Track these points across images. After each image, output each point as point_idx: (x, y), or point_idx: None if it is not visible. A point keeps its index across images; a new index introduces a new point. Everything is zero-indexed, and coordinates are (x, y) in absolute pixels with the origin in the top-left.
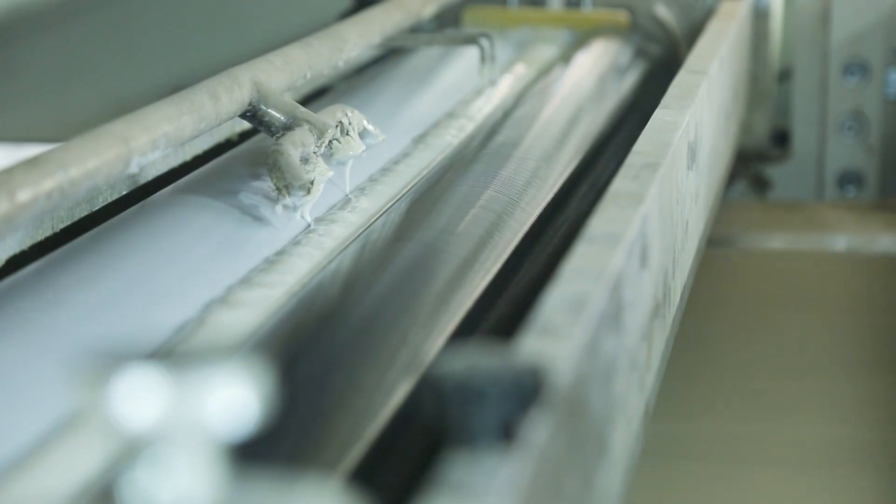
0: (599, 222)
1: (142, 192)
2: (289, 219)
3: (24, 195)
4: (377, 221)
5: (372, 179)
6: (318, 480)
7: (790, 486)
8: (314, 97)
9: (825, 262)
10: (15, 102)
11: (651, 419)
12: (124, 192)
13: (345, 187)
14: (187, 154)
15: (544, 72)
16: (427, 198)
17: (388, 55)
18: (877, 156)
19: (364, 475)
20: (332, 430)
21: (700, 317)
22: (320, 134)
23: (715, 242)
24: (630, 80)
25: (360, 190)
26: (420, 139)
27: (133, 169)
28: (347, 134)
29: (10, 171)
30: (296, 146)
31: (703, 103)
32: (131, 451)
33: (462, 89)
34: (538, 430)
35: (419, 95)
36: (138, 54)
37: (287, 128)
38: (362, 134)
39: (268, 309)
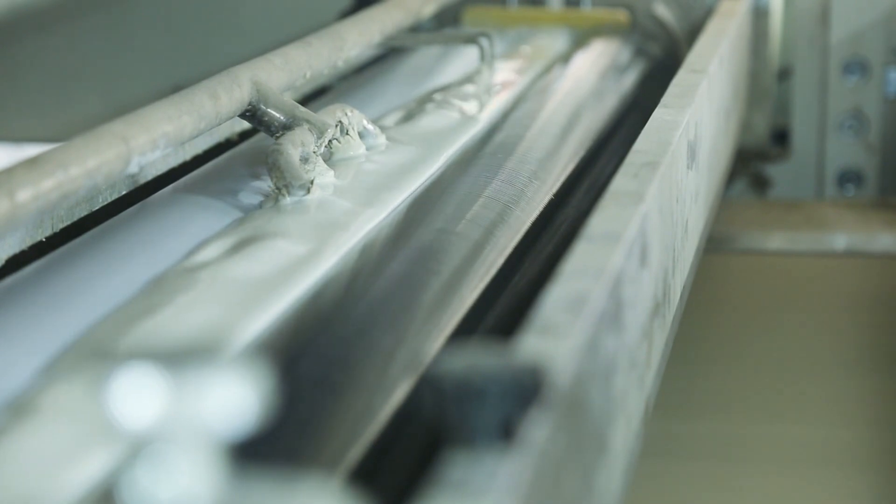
0: (599, 221)
1: (142, 192)
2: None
3: (24, 195)
4: (377, 221)
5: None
6: (318, 480)
7: (790, 486)
8: (314, 97)
9: (825, 260)
10: (15, 102)
11: (651, 418)
12: (124, 192)
13: None
14: (187, 154)
15: (544, 71)
16: (427, 197)
17: (388, 55)
18: (876, 154)
19: (364, 475)
20: (332, 430)
21: (700, 316)
22: (320, 133)
23: (715, 241)
24: (630, 79)
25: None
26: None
27: (133, 168)
28: (347, 133)
29: (10, 171)
30: (295, 146)
31: (702, 102)
32: (131, 451)
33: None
34: (538, 429)
35: (419, 95)
36: (138, 54)
37: (287, 127)
38: (362, 134)
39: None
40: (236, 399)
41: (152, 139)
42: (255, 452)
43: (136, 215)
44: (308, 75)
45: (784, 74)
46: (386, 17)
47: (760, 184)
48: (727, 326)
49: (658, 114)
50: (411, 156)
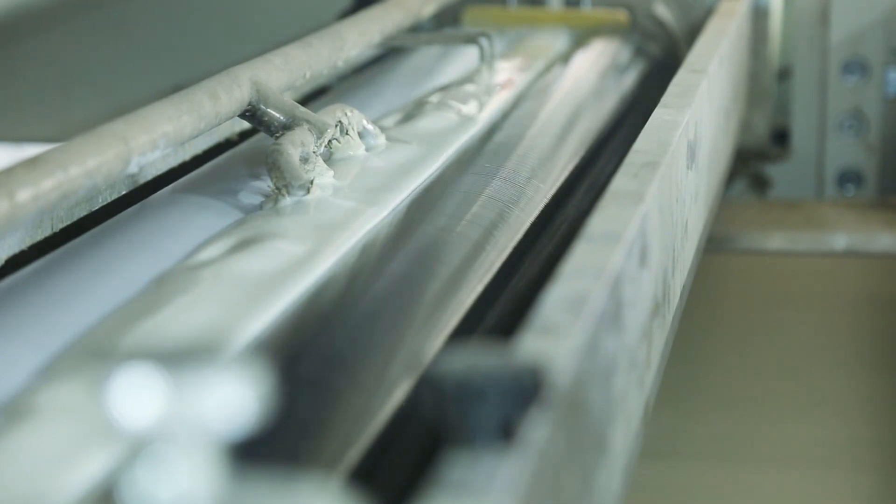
0: (599, 221)
1: (141, 192)
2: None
3: (24, 195)
4: (377, 221)
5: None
6: (318, 480)
7: (789, 486)
8: (314, 97)
9: (825, 260)
10: (15, 102)
11: (651, 418)
12: (124, 192)
13: None
14: (187, 154)
15: (544, 71)
16: (426, 197)
17: (388, 55)
18: (876, 154)
19: (364, 475)
20: (332, 430)
21: (700, 316)
22: (320, 133)
23: (715, 241)
24: (630, 79)
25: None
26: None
27: (133, 168)
28: (347, 133)
29: (10, 171)
30: (295, 146)
31: (702, 102)
32: (131, 451)
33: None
34: (538, 430)
35: (419, 95)
36: (138, 54)
37: (286, 127)
38: (362, 134)
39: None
40: (236, 399)
41: (152, 139)
42: (255, 452)
43: (136, 215)
44: (308, 75)
45: (784, 74)
46: (386, 17)
47: (760, 184)
48: (727, 326)
49: (658, 114)
50: (411, 156)
